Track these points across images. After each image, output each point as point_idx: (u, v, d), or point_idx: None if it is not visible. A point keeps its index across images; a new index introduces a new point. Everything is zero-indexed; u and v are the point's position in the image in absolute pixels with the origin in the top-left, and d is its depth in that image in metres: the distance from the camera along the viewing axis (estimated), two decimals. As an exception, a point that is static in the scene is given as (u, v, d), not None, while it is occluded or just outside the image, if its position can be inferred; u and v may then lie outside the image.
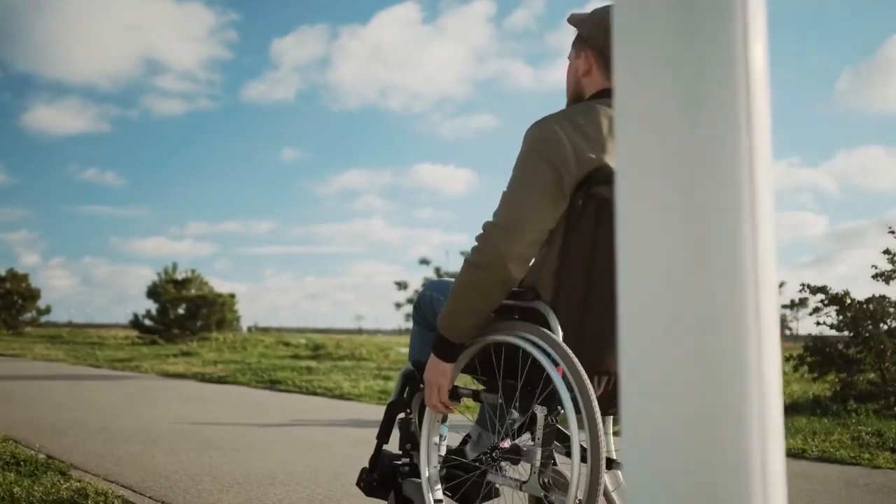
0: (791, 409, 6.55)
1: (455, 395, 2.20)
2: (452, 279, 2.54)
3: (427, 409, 2.23)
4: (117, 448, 4.65)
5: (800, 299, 62.23)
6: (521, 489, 2.05)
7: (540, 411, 1.98)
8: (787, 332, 67.03)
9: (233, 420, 6.23)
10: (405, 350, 23.04)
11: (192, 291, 26.47)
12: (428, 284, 2.58)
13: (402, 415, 2.42)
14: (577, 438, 1.85)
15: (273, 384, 9.68)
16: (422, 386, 2.29)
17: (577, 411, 1.85)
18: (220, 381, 10.40)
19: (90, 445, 4.73)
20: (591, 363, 2.00)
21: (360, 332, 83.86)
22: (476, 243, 1.97)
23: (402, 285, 17.56)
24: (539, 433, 1.98)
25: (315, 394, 8.76)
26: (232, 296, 26.61)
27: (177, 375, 11.48)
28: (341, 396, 8.42)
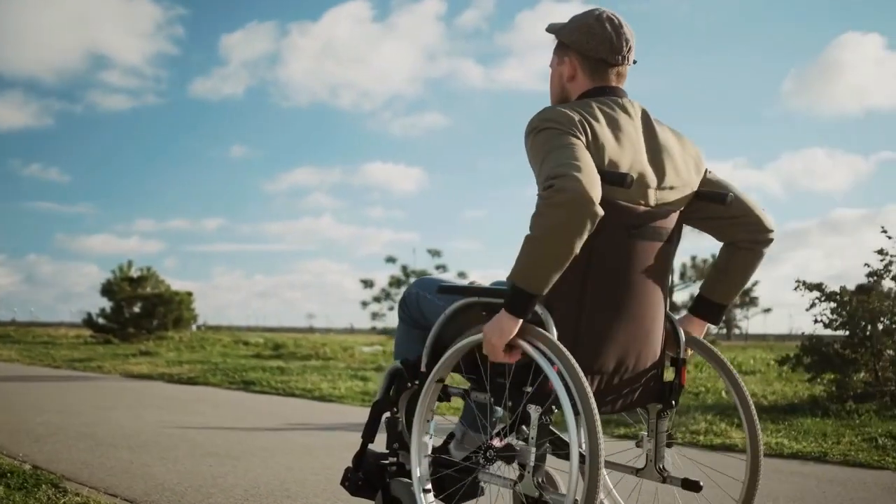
0: (790, 410, 6.45)
1: (445, 394, 2.25)
2: (439, 276, 2.60)
3: (417, 409, 2.22)
4: (105, 455, 4.34)
5: (749, 298, 62.92)
6: (514, 488, 2.04)
7: (534, 410, 1.97)
8: (737, 332, 67.92)
9: (218, 423, 5.94)
10: (369, 349, 22.74)
11: (148, 289, 25.81)
12: (415, 282, 2.53)
13: (387, 414, 2.41)
14: (576, 438, 1.84)
15: (247, 385, 9.36)
16: (409, 384, 2.34)
17: (575, 412, 1.86)
18: (190, 381, 10.03)
19: (76, 453, 4.41)
20: (586, 362, 2.00)
21: (311, 330, 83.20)
22: (550, 185, 1.85)
23: (367, 283, 17.32)
24: (533, 432, 1.98)
25: (293, 395, 8.47)
26: (189, 294, 25.99)
27: (142, 376, 11.07)
28: (322, 398, 8.14)
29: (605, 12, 2.19)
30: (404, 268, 16.94)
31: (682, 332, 2.31)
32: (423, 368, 2.27)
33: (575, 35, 2.17)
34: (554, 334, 1.97)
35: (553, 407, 1.96)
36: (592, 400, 1.86)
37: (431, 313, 2.35)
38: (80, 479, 3.70)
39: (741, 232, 2.26)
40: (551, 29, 2.27)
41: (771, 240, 2.30)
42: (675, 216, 2.16)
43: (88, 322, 25.21)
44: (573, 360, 1.89)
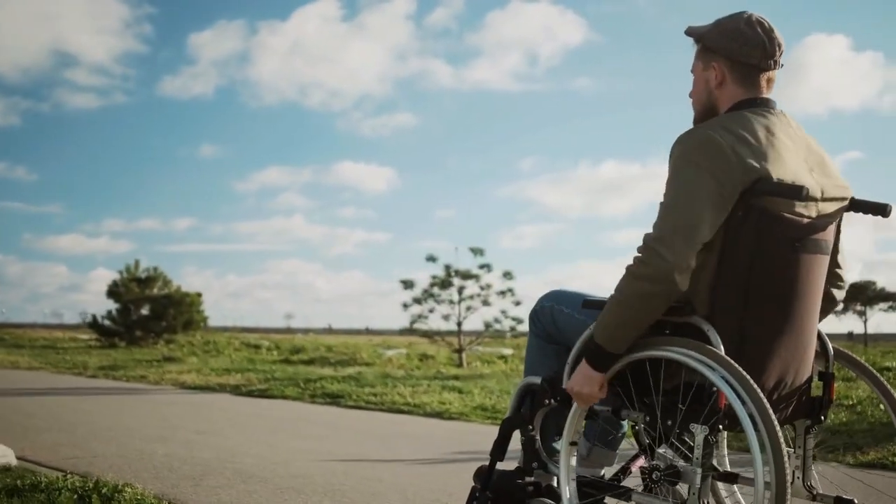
0: None
1: (593, 412, 2.18)
2: (574, 290, 2.43)
3: (567, 427, 2.17)
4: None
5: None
6: None
7: (700, 431, 1.92)
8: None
9: (376, 453, 4.87)
10: (392, 353, 21.68)
11: (155, 290, 24.62)
12: (547, 296, 2.48)
13: (519, 431, 2.38)
14: (760, 460, 1.81)
15: (334, 399, 8.27)
16: (547, 402, 2.29)
17: (756, 430, 1.82)
18: (263, 394, 8.93)
19: (263, 499, 3.36)
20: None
21: (289, 330, 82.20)
22: (639, 254, 1.93)
23: (408, 284, 16.21)
24: (699, 453, 1.93)
25: (400, 412, 7.39)
26: (199, 295, 24.81)
27: (198, 387, 9.95)
28: (438, 415, 7.10)
29: (755, 15, 2.12)
30: (447, 267, 15.80)
31: (830, 345, 2.27)
32: (564, 386, 2.20)
33: (724, 40, 2.11)
34: (721, 350, 1.94)
35: (720, 426, 1.92)
36: (775, 419, 1.84)
37: (570, 329, 2.33)
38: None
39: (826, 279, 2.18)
40: (693, 33, 2.20)
41: (840, 300, 2.29)
42: (832, 227, 2.12)
43: (94, 325, 23.95)
44: (749, 378, 1.87)
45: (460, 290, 15.96)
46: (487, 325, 16.13)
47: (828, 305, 2.24)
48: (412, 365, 16.27)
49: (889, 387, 2.21)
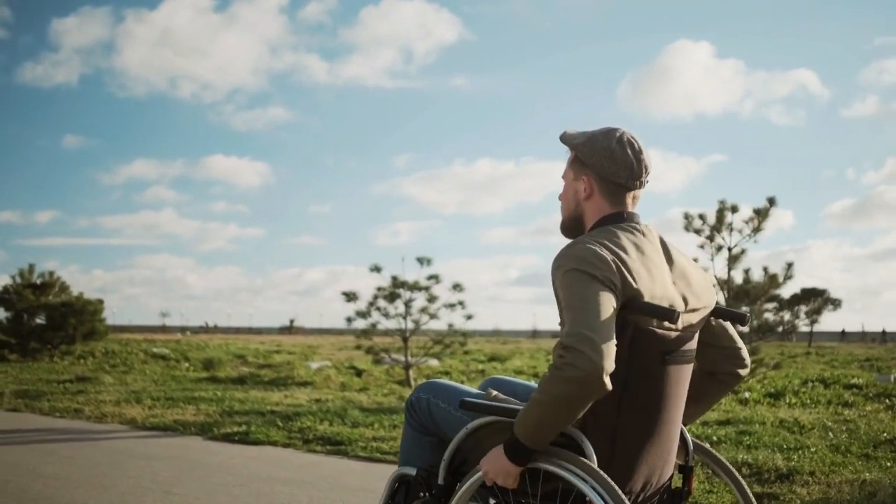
0: None
1: None
2: (450, 382, 2.53)
3: None
4: None
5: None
6: None
7: None
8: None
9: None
10: (316, 366, 20.43)
11: (51, 298, 22.49)
12: (423, 387, 2.54)
13: None
14: None
15: (336, 447, 7.17)
16: (423, 494, 2.37)
17: None
18: (245, 440, 7.65)
19: None
20: (618, 485, 2.03)
21: (164, 328, 79.28)
22: (563, 356, 1.93)
23: (350, 296, 14.98)
24: None
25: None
26: (101, 302, 22.82)
27: (157, 427, 8.61)
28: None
29: (626, 135, 2.20)
30: (394, 278, 14.82)
31: (689, 439, 2.41)
32: (440, 481, 2.30)
33: (595, 157, 2.20)
34: (594, 461, 2.04)
35: None
36: None
37: (446, 424, 2.40)
38: None
39: (724, 362, 2.39)
40: (568, 142, 2.28)
41: (743, 377, 2.44)
42: (696, 337, 2.24)
43: (-21, 336, 21.64)
44: (619, 491, 1.99)
45: (407, 303, 15.00)
46: (438, 340, 15.23)
47: (733, 382, 2.43)
48: (355, 383, 15.19)
49: (744, 483, 2.42)
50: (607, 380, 1.92)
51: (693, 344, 2.22)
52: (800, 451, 6.35)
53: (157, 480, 5.66)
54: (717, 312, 2.31)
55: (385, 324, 14.98)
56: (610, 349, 1.92)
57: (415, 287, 14.99)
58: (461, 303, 14.99)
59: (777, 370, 12.71)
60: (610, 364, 1.92)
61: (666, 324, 2.08)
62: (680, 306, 2.13)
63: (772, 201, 12.30)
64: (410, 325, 14.98)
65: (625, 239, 2.10)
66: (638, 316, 2.03)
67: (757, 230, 12.41)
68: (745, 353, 2.41)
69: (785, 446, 6.60)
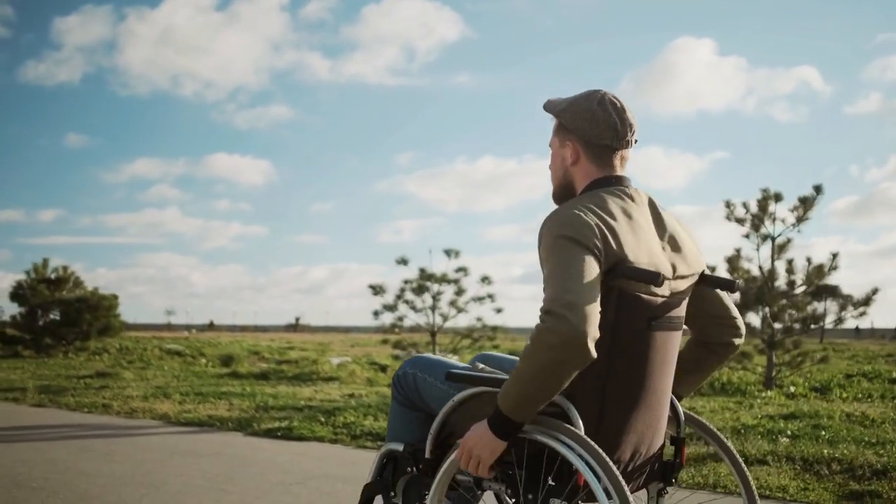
0: None
1: (455, 482, 2.22)
2: (437, 357, 2.52)
3: (433, 492, 2.18)
4: None
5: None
6: None
7: None
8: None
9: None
10: (337, 361, 20.08)
11: (65, 293, 22.16)
12: (410, 362, 2.52)
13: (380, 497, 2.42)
14: None
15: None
16: (410, 469, 2.36)
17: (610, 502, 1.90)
18: (289, 435, 7.31)
19: None
20: (606, 454, 1.99)
21: (169, 326, 79.08)
22: (543, 323, 1.88)
23: (377, 290, 14.63)
24: None
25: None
26: (115, 297, 22.49)
27: (191, 423, 8.24)
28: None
29: (607, 95, 2.18)
30: (422, 270, 14.45)
31: (681, 410, 2.38)
32: (427, 455, 2.27)
33: (577, 121, 2.18)
34: (581, 429, 2.00)
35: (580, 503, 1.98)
36: (629, 494, 1.92)
37: (433, 398, 2.38)
38: None
39: (717, 331, 2.34)
40: (551, 109, 2.26)
41: (739, 346, 2.38)
42: (685, 303, 2.20)
43: (-6, 331, 21.33)
44: (606, 458, 1.94)
45: (435, 296, 14.62)
46: (467, 334, 14.85)
47: (728, 352, 2.37)
48: (381, 379, 14.83)
49: (734, 451, 2.39)
50: (591, 346, 1.87)
51: (681, 311, 2.18)
52: (886, 446, 5.96)
53: (208, 478, 5.28)
54: (705, 279, 2.27)
55: (413, 317, 14.61)
56: (592, 314, 1.87)
57: (443, 280, 14.62)
58: (490, 296, 14.63)
59: (824, 363, 12.31)
60: (593, 330, 1.87)
61: (652, 289, 2.04)
62: (668, 272, 2.09)
63: (818, 189, 11.91)
64: (438, 320, 14.60)
65: (612, 203, 2.08)
66: (623, 280, 2.00)
67: (801, 219, 12.03)
68: (740, 322, 2.35)
69: (865, 440, 6.22)
